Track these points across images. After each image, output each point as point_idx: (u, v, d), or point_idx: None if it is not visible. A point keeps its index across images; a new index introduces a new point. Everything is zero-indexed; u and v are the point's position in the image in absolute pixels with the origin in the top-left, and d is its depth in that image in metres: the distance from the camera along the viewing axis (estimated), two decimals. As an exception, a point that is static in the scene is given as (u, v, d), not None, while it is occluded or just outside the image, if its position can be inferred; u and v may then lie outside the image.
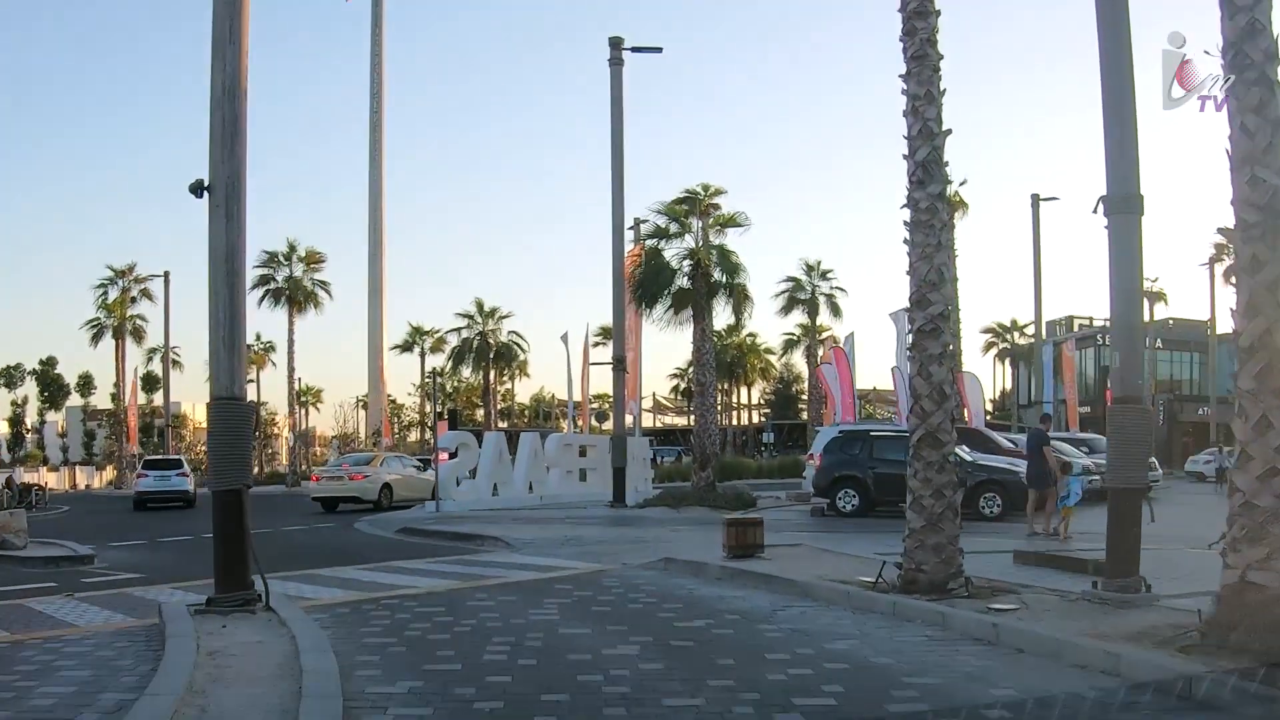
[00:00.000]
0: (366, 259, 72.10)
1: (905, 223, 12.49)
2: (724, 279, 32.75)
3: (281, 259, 58.44)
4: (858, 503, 26.12)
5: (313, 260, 58.93)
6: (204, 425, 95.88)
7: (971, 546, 14.28)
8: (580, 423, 63.37)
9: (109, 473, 74.63)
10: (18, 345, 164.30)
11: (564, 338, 52.26)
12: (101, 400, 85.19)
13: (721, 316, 34.71)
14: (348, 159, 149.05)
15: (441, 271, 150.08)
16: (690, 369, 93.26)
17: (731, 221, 33.67)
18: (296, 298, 58.37)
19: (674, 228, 32.99)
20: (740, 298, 33.48)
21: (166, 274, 58.83)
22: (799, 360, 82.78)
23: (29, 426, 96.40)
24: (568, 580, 14.09)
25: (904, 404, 44.44)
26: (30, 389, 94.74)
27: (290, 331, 59.47)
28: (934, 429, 11.92)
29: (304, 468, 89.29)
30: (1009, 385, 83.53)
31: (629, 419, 38.52)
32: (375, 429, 75.42)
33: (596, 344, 62.88)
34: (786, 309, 60.79)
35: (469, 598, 12.48)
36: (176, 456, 47.64)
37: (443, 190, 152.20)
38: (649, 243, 33.84)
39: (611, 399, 35.18)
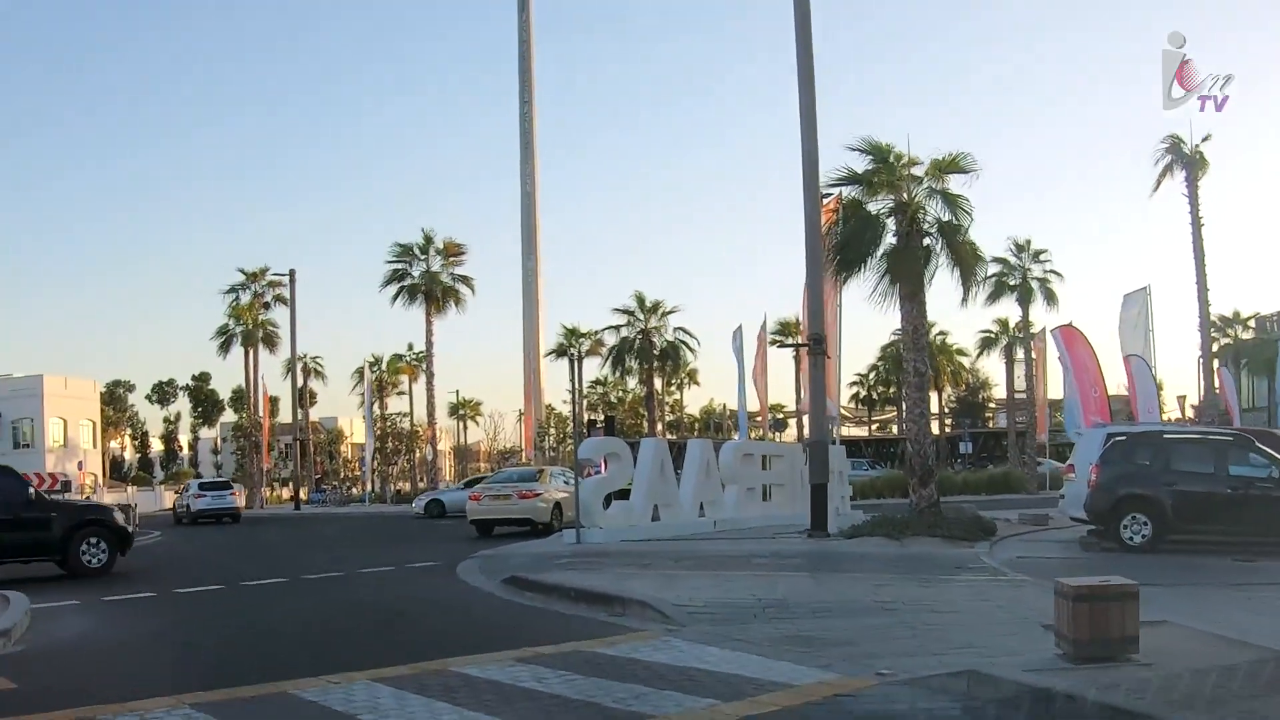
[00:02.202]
0: (520, 256, 65.79)
1: None
2: (944, 239, 25.02)
3: (417, 252, 52.63)
4: (1149, 532, 19.01)
5: (452, 252, 52.88)
6: (360, 441, 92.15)
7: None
8: (754, 435, 55.90)
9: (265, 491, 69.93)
10: (172, 361, 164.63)
11: (737, 332, 44.85)
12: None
13: (941, 291, 26.70)
14: (496, 151, 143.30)
15: (597, 269, 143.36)
16: (871, 374, 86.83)
17: (953, 165, 25.43)
18: (434, 294, 52.33)
19: (878, 171, 25.32)
20: (970, 260, 25.57)
21: (292, 273, 53.44)
22: (990, 363, 74.09)
23: (181, 444, 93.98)
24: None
25: (1143, 400, 36.37)
26: (183, 405, 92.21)
27: (429, 333, 53.46)
28: None
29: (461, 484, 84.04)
30: (1218, 386, 72.15)
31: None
32: (531, 442, 69.33)
33: (774, 342, 55.40)
34: (994, 296, 52.15)
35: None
36: (225, 479, 56.95)
37: (596, 178, 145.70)
38: (846, 192, 26.28)
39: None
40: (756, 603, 11.87)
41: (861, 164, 25.30)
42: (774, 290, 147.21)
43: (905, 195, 25.23)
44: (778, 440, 63.30)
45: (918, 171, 25.47)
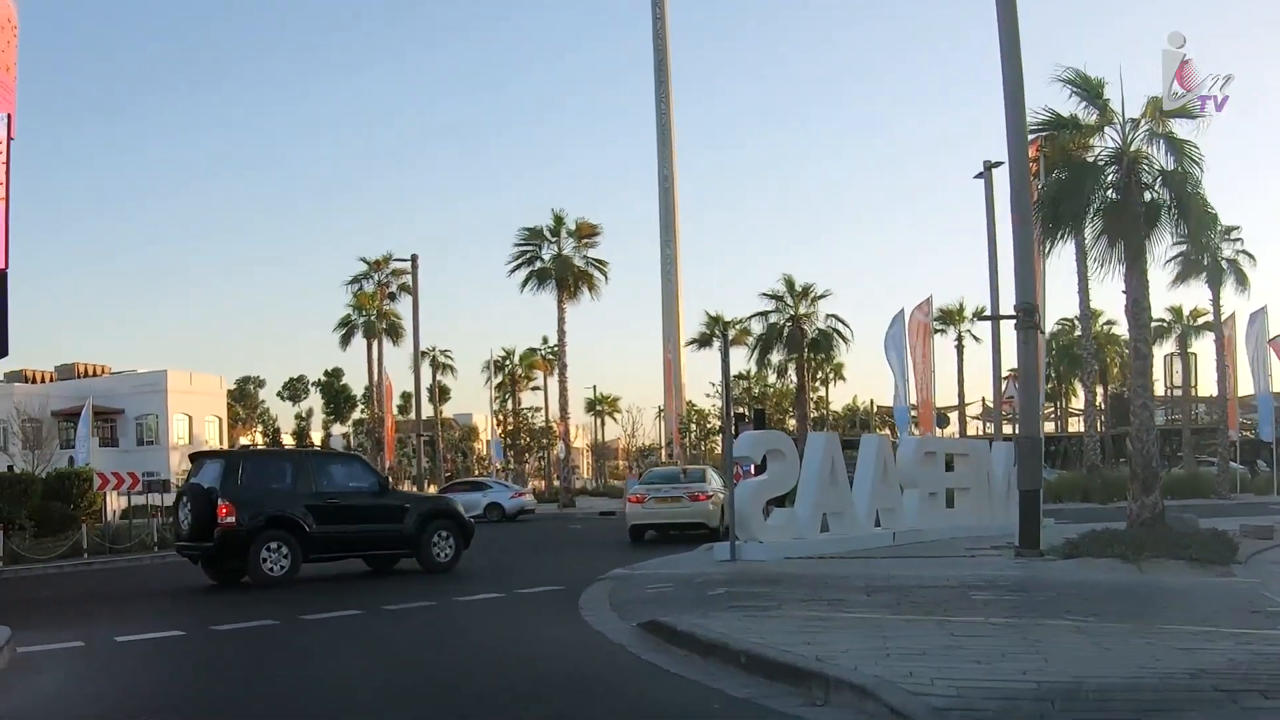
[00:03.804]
0: (658, 244, 62.01)
1: None
2: (1172, 193, 20.58)
3: (547, 234, 49.27)
4: None
5: (585, 234, 49.34)
6: (489, 439, 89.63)
7: None
8: (917, 433, 51.15)
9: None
10: (303, 358, 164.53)
11: (896, 317, 40.41)
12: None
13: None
14: (631, 136, 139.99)
15: (734, 257, 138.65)
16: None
17: (1180, 109, 21.00)
18: (566, 279, 48.84)
19: (1089, 114, 21.07)
20: (1203, 218, 21.13)
21: (414, 258, 50.11)
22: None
23: (314, 440, 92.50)
24: None
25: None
26: (315, 401, 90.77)
27: (560, 320, 50.00)
28: None
29: (601, 482, 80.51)
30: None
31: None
32: (670, 439, 65.55)
33: (937, 331, 50.68)
34: (1181, 278, 46.61)
35: None
36: None
37: (739, 157, 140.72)
38: (1045, 142, 22.09)
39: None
40: (1034, 687, 7.51)
41: (1066, 105, 21.18)
42: (927, 278, 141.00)
43: (1123, 139, 20.93)
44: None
45: (1132, 114, 21.24)
